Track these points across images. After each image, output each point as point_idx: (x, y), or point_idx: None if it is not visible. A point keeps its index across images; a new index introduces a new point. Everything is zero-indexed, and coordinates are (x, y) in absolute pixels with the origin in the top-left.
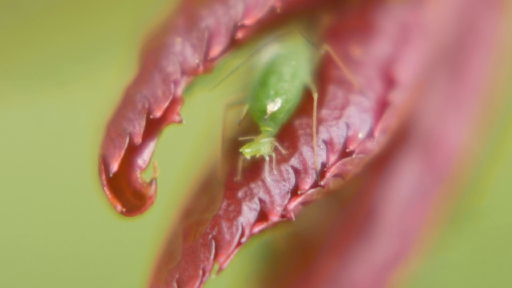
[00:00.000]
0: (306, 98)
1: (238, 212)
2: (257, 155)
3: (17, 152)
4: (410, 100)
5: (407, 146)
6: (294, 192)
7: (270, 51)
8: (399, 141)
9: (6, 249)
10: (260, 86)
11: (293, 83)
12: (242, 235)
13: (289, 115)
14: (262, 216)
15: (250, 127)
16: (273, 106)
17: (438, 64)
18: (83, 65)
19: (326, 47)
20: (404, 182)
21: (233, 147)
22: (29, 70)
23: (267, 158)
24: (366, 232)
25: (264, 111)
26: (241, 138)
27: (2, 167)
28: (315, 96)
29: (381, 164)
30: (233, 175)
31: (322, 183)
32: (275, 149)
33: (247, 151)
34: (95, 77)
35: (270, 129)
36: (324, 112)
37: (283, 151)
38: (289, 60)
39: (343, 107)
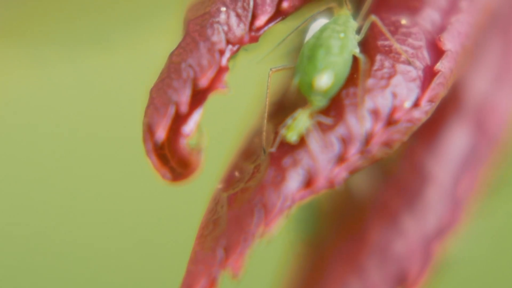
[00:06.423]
0: (353, 67)
1: (284, 179)
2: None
3: (65, 117)
4: (459, 68)
5: (459, 112)
6: (340, 159)
7: (317, 23)
8: (451, 108)
9: (53, 205)
10: (308, 60)
11: (341, 56)
12: (287, 202)
13: (339, 88)
14: (308, 183)
15: (299, 96)
16: (322, 82)
17: (490, 31)
18: (130, 31)
19: (373, 18)
20: (457, 148)
21: (278, 113)
22: (77, 35)
23: (307, 130)
24: (418, 198)
25: (312, 86)
26: (281, 127)
27: (49, 133)
28: (363, 63)
29: (433, 130)
30: (278, 143)
31: (367, 151)
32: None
33: (294, 139)
34: (142, 43)
35: (319, 101)
36: (371, 81)
37: (324, 120)
38: (337, 32)
39: (390, 76)
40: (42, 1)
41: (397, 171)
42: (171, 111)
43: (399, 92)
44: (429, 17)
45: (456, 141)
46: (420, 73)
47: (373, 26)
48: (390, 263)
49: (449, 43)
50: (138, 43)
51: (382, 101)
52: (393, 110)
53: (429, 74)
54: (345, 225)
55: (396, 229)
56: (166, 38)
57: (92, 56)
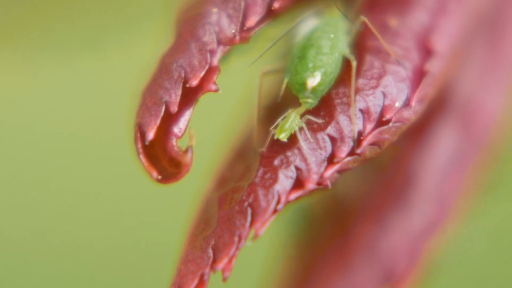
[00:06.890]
0: (343, 67)
1: (274, 179)
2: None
3: (60, 119)
4: (447, 69)
5: (445, 113)
6: (331, 160)
7: (308, 24)
8: (437, 109)
9: (48, 207)
10: (299, 60)
11: (332, 55)
12: (278, 202)
13: (330, 87)
14: (298, 183)
15: (289, 99)
16: (312, 81)
17: (477, 33)
18: (124, 35)
19: (363, 19)
20: (442, 149)
21: (269, 115)
22: (71, 39)
23: (297, 129)
24: (404, 198)
25: (303, 85)
26: (272, 128)
27: (44, 134)
28: (354, 64)
29: (419, 131)
30: (269, 143)
31: (358, 151)
32: (308, 119)
33: (282, 137)
34: (135, 47)
35: (310, 101)
36: (361, 81)
37: (315, 120)
38: (327, 33)
39: (380, 76)
40: (36, 6)
41: (384, 171)
42: (162, 110)
43: (389, 92)
44: (418, 18)
45: (442, 141)
46: (410, 73)
47: (363, 27)
48: (377, 261)
49: (438, 43)
50: (132, 46)
51: (373, 100)
52: (384, 110)
53: (419, 75)
54: (334, 225)
55: (383, 228)
56: (159, 42)
57: (86, 59)
